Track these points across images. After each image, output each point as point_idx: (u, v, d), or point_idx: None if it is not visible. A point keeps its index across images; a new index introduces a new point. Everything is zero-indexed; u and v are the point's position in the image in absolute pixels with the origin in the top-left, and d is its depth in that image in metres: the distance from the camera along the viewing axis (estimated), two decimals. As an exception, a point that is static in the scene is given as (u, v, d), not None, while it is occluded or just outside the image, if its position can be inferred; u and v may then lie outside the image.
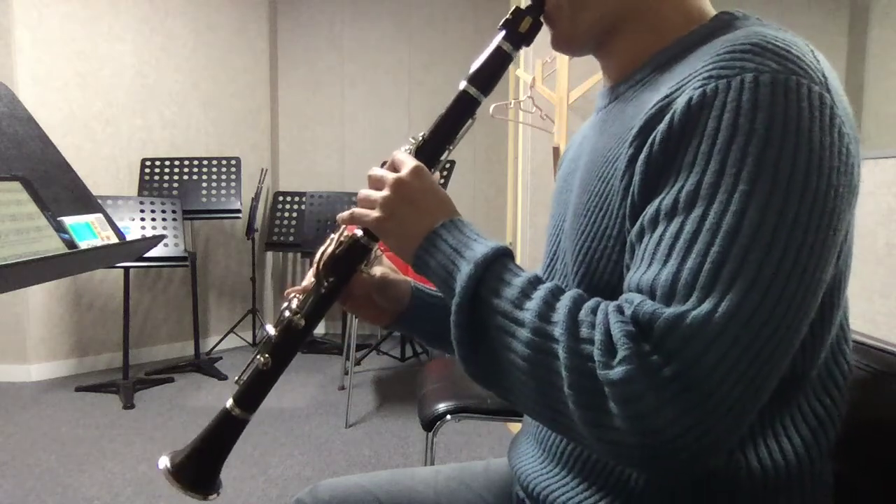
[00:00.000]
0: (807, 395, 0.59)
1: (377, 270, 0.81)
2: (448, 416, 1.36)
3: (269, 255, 4.41)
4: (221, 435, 0.72)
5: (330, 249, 0.73)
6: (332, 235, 0.74)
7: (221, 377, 3.40)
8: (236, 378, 0.73)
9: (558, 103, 2.29)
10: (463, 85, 0.70)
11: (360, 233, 0.72)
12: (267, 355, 0.71)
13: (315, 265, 0.74)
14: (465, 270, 0.58)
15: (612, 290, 0.59)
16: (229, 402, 0.72)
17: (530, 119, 2.63)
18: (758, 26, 0.57)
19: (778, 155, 0.48)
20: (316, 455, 2.46)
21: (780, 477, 0.56)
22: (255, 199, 3.91)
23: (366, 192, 0.69)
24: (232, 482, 2.19)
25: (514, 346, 0.54)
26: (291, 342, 0.73)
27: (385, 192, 0.66)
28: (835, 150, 0.49)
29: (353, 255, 0.73)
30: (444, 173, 3.44)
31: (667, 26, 0.63)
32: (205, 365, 3.52)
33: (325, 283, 0.72)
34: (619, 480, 0.62)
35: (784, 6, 3.88)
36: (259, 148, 4.22)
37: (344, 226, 0.74)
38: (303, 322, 0.72)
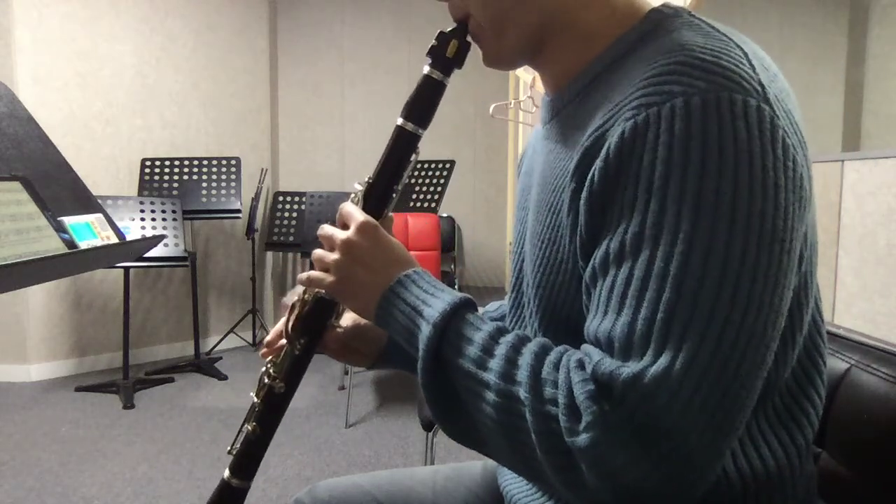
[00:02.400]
0: (782, 398, 0.58)
1: (348, 318, 0.80)
2: (448, 417, 1.36)
3: (269, 255, 4.41)
4: None
5: (297, 310, 0.72)
6: (296, 297, 0.73)
7: (221, 377, 3.40)
8: (229, 448, 0.73)
9: (558, 103, 2.29)
10: (399, 121, 0.68)
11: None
12: (255, 423, 0.71)
13: (285, 327, 0.73)
14: (425, 332, 0.57)
15: (573, 321, 0.58)
16: (226, 474, 0.72)
17: (530, 119, 2.63)
18: (686, 30, 0.54)
19: (717, 185, 0.46)
20: (316, 455, 2.46)
21: (760, 481, 0.56)
22: (255, 199, 3.91)
23: (320, 253, 0.68)
24: (232, 482, 2.19)
25: (483, 408, 0.53)
26: (275, 407, 0.72)
27: (335, 256, 0.65)
28: (779, 165, 0.47)
29: (321, 312, 0.72)
30: (444, 173, 3.44)
31: (597, 32, 0.61)
32: (205, 365, 3.52)
33: (298, 345, 0.72)
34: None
35: (784, 6, 3.88)
36: (259, 148, 4.22)
37: None
38: (283, 386, 0.71)
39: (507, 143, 4.37)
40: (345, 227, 0.67)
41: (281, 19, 4.40)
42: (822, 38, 3.80)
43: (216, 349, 3.91)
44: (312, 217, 3.59)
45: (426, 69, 0.67)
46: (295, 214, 4.11)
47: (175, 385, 3.29)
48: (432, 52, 0.67)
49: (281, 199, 4.16)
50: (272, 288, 4.45)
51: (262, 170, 4.08)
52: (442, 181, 3.43)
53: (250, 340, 4.08)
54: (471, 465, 0.92)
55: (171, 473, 2.29)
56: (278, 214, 4.13)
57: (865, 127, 3.79)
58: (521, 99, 2.57)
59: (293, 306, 0.72)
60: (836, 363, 0.73)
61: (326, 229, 0.68)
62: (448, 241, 4.33)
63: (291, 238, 4.07)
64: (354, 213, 0.67)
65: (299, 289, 0.74)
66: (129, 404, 2.94)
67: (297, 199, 4.14)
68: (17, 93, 2.25)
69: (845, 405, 0.70)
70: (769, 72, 0.52)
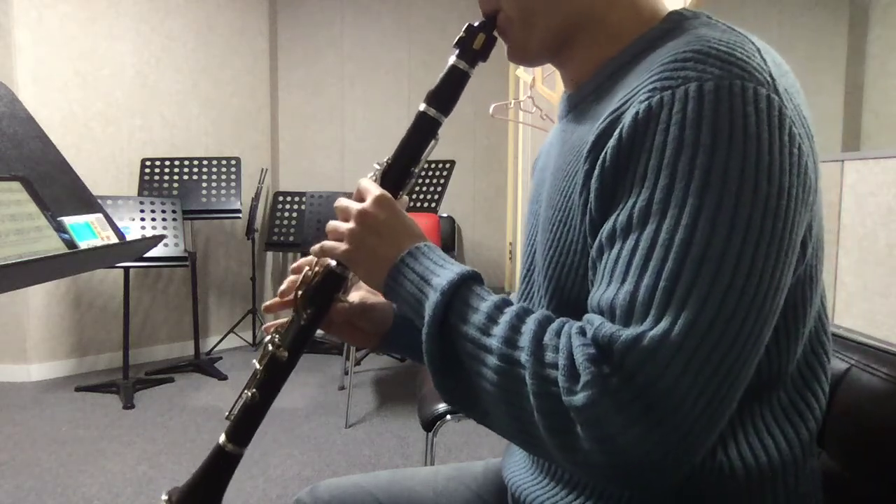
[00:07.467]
0: (787, 391, 0.59)
1: (355, 295, 0.82)
2: (448, 417, 1.36)
3: (269, 255, 4.41)
4: (217, 471, 0.73)
5: (306, 281, 0.73)
6: (306, 268, 0.74)
7: (221, 377, 3.40)
8: (227, 414, 0.74)
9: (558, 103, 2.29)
10: (422, 107, 0.70)
11: (334, 262, 0.72)
12: (254, 390, 0.72)
13: (293, 297, 0.73)
14: (432, 298, 0.59)
15: (582, 304, 0.59)
16: (222, 438, 0.73)
17: (530, 119, 2.63)
18: (704, 28, 0.57)
19: (725, 165, 0.48)
20: (316, 455, 2.46)
21: (763, 473, 0.57)
22: (255, 199, 3.91)
23: (334, 223, 0.70)
24: (232, 482, 2.18)
25: (484, 373, 0.54)
26: (277, 375, 0.73)
27: (350, 224, 0.67)
28: (785, 151, 0.49)
29: (329, 284, 0.73)
30: (444, 173, 3.44)
31: (620, 32, 0.64)
32: (205, 365, 3.52)
33: (304, 315, 0.72)
34: (605, 489, 0.62)
35: (784, 6, 3.88)
36: (259, 148, 4.22)
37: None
38: (286, 355, 0.72)
39: (507, 143, 4.37)
40: (361, 200, 0.69)
41: (281, 19, 4.40)
42: (822, 38, 3.80)
43: (216, 349, 3.91)
44: (312, 217, 3.59)
45: (452, 59, 0.70)
46: (295, 214, 4.11)
47: (175, 385, 3.29)
48: (460, 43, 0.69)
49: (281, 199, 4.16)
50: (272, 288, 4.44)
51: (262, 170, 4.08)
52: (442, 181, 3.43)
53: (250, 340, 4.08)
54: (472, 465, 0.92)
55: (171, 473, 2.29)
56: (278, 214, 4.13)
57: (865, 127, 3.78)
58: (521, 99, 2.57)
59: (303, 276, 0.73)
60: (836, 363, 0.73)
61: (342, 201, 0.70)
62: (448, 240, 4.33)
63: (291, 238, 4.07)
64: (371, 187, 0.69)
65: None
66: (129, 404, 2.94)
67: (296, 199, 4.14)
68: (17, 93, 2.25)
69: (845, 405, 0.70)
70: (781, 69, 0.54)
